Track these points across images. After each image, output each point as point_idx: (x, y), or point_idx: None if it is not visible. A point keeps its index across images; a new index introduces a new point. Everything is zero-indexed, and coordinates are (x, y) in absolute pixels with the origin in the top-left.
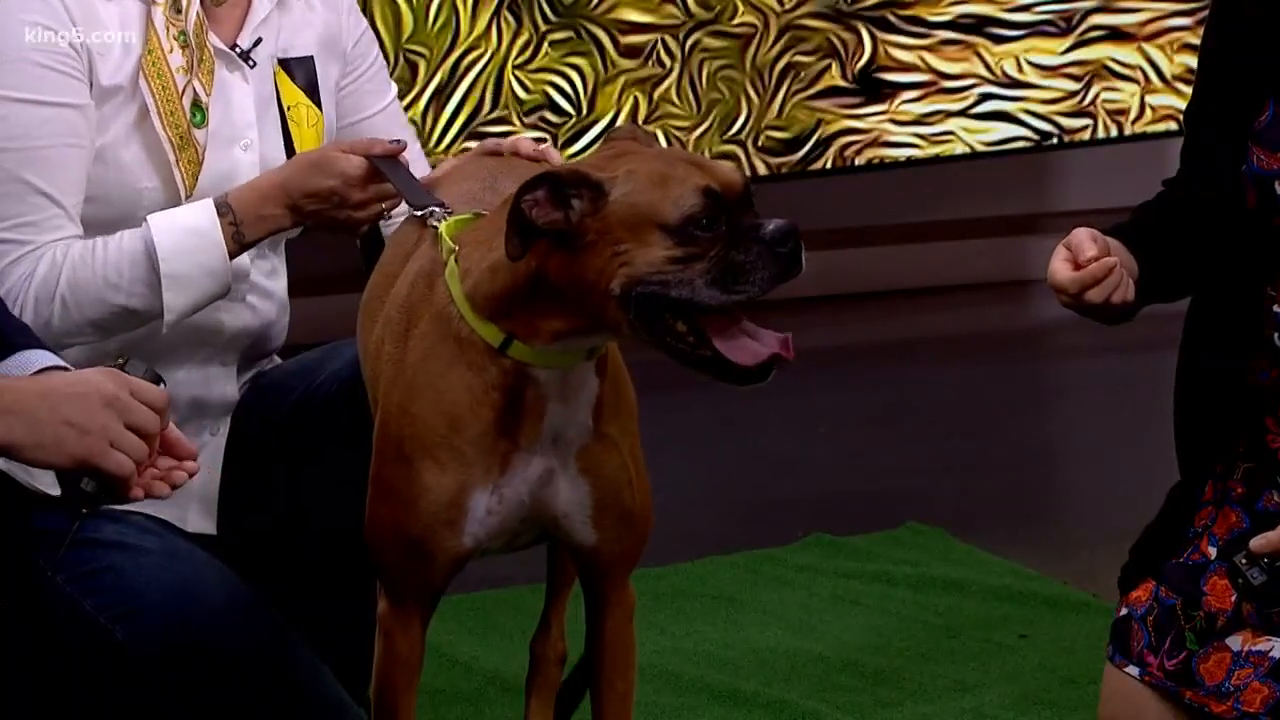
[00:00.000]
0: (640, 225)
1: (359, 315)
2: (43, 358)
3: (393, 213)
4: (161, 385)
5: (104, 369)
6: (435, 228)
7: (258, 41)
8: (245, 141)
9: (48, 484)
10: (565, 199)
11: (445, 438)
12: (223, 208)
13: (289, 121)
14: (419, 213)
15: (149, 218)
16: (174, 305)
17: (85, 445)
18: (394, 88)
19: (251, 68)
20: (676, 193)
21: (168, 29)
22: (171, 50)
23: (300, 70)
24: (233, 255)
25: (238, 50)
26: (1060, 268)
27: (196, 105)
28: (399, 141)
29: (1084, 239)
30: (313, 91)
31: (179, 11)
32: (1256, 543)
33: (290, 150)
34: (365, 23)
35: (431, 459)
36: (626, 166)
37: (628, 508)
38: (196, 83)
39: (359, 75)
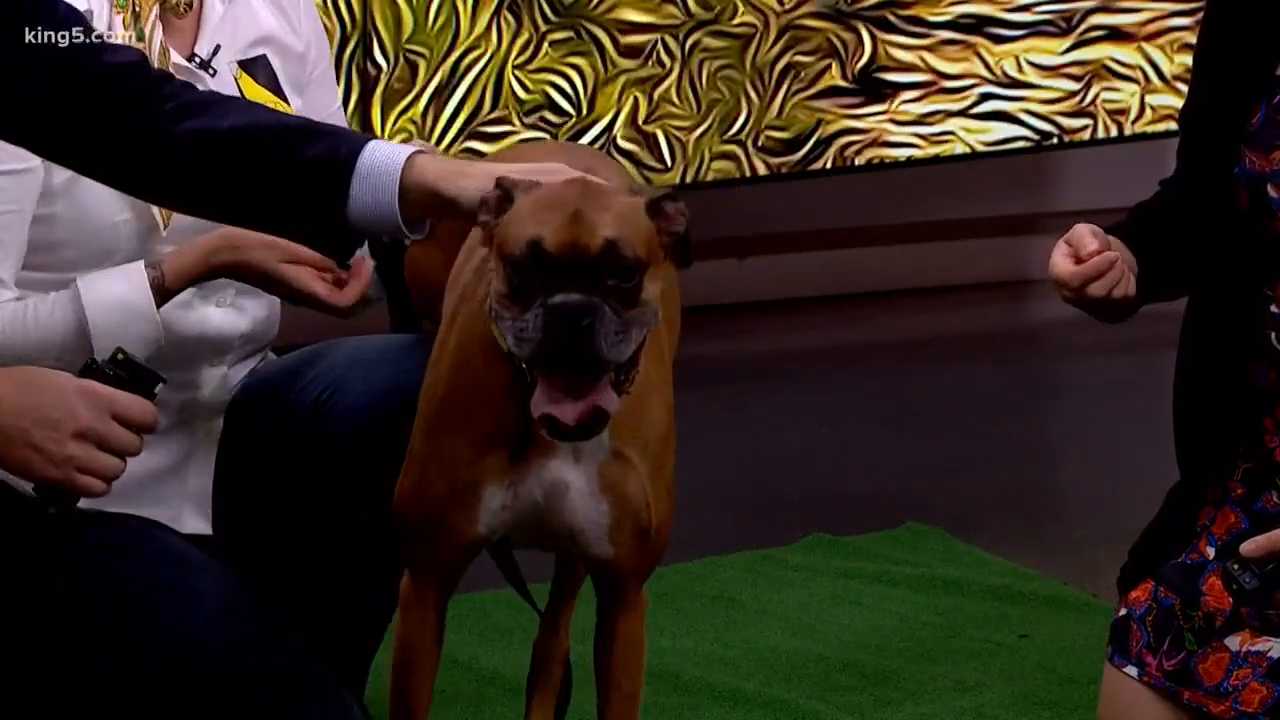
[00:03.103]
0: (498, 249)
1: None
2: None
3: None
4: (158, 386)
5: (88, 385)
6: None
7: (217, 48)
8: None
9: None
10: (504, 205)
11: (467, 425)
12: (152, 269)
13: None
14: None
15: (81, 285)
16: None
17: (50, 473)
18: (338, 97)
19: (213, 76)
20: (521, 233)
21: None
22: None
23: (260, 69)
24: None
25: (197, 60)
26: (1061, 262)
27: None
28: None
29: (1085, 234)
30: (276, 87)
31: (142, 39)
32: (1247, 547)
33: None
34: (318, 20)
35: (452, 441)
36: (538, 192)
37: (644, 527)
38: None
39: (316, 74)
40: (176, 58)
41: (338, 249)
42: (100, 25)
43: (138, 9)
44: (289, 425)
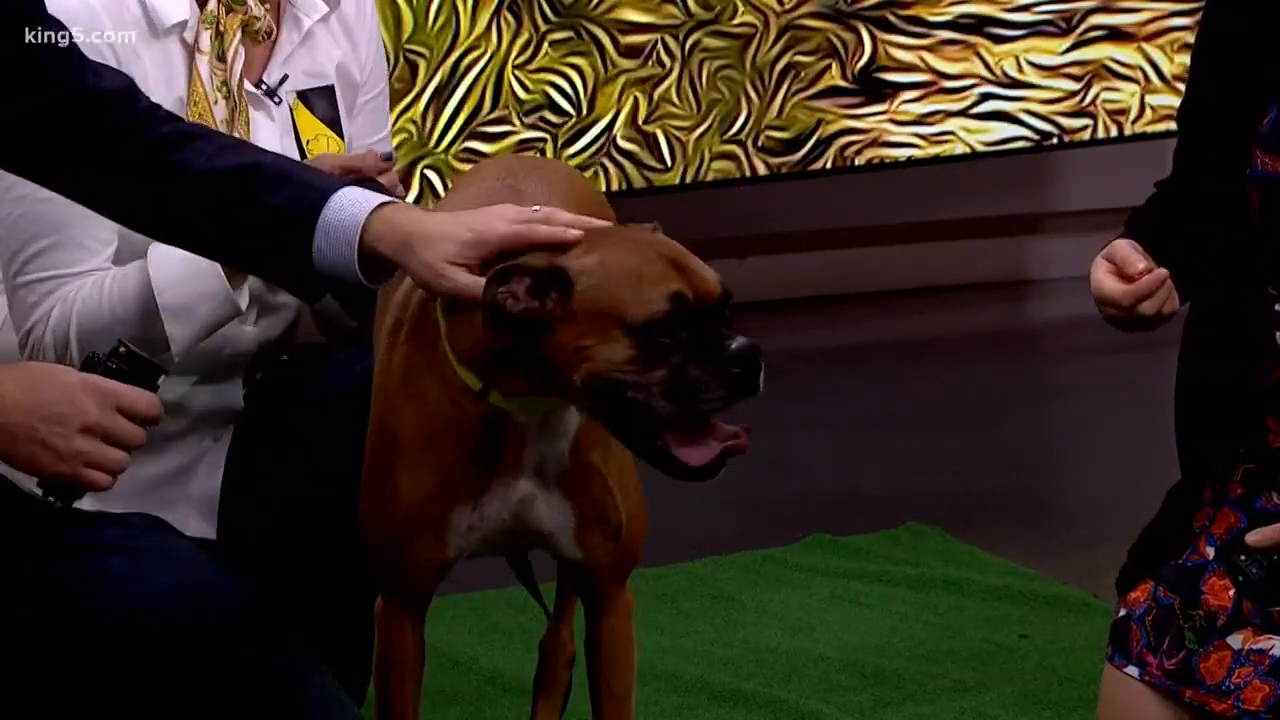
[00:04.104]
0: (604, 320)
1: (379, 297)
2: None
3: None
4: (161, 378)
5: (91, 379)
6: None
7: (284, 78)
8: None
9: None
10: (543, 290)
11: (425, 455)
12: None
13: (307, 156)
14: None
15: (151, 247)
16: (178, 335)
17: (58, 468)
18: (390, 122)
19: (277, 105)
20: (646, 293)
21: (212, 77)
22: (216, 101)
23: (320, 100)
24: (234, 278)
25: (264, 88)
26: (1107, 280)
27: None
28: (388, 157)
29: (1130, 251)
30: (334, 122)
31: (222, 60)
32: (1253, 537)
33: None
34: (383, 51)
35: (411, 473)
36: (600, 255)
37: (613, 527)
38: (237, 134)
39: (368, 100)
40: (246, 84)
41: (310, 293)
42: (189, 36)
43: (222, 30)
44: (295, 427)
